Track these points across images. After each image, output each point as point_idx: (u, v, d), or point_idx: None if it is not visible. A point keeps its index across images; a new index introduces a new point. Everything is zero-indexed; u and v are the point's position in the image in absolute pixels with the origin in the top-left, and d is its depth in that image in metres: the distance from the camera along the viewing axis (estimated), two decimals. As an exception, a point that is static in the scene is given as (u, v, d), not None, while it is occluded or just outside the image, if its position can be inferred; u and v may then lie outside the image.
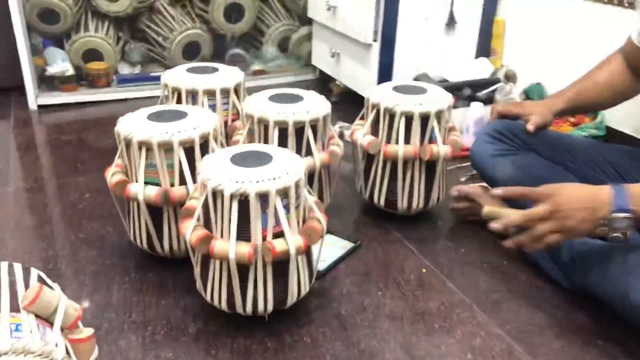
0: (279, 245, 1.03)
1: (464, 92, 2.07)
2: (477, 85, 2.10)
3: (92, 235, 1.42)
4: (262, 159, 1.09)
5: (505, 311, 1.19)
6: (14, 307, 0.82)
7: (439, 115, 1.38)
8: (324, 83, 2.52)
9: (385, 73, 2.11)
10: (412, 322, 1.16)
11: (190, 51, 2.46)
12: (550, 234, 1.06)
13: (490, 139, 1.39)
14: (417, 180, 1.43)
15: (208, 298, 1.12)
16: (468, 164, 1.78)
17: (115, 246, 1.38)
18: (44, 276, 0.92)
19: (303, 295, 1.14)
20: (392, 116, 1.38)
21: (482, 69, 2.20)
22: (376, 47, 2.08)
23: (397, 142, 1.38)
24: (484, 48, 2.27)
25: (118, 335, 1.09)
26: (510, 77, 2.17)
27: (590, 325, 1.15)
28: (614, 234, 1.03)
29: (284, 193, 1.03)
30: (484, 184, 1.48)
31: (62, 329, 0.84)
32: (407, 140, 1.39)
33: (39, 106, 2.23)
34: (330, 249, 1.37)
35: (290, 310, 1.15)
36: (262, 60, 2.61)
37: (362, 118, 1.50)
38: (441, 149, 1.39)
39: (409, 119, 1.37)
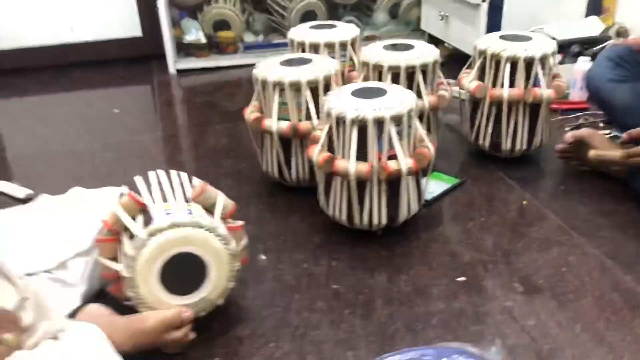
0: (392, 165, 1.19)
1: (572, 50, 2.10)
2: (585, 43, 2.12)
3: (230, 170, 1.66)
4: (379, 92, 1.25)
5: (602, 237, 1.28)
6: (185, 200, 1.05)
7: (542, 60, 1.48)
8: (432, 47, 2.63)
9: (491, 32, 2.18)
10: (511, 241, 1.28)
11: (307, 19, 2.65)
12: None
13: (610, 63, 1.43)
14: (521, 123, 1.53)
15: (330, 213, 1.31)
16: (573, 115, 1.84)
17: (250, 178, 1.60)
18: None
19: (412, 215, 1.30)
20: (497, 61, 1.49)
21: (591, 27, 2.21)
22: (484, 7, 2.17)
23: (502, 85, 1.49)
24: (595, 7, 2.28)
25: (257, 240, 1.30)
26: (621, 34, 2.17)
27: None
28: None
29: (397, 120, 1.19)
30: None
31: (221, 218, 1.06)
32: (512, 84, 1.49)
33: (177, 70, 2.53)
34: (437, 184, 1.51)
35: (400, 228, 1.31)
36: (374, 27, 2.77)
37: (469, 67, 1.62)
38: (544, 93, 1.49)
39: (514, 63, 1.47)
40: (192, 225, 0.97)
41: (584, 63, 1.90)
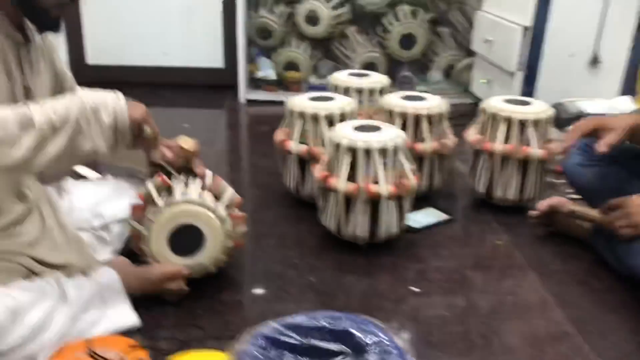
0: (374, 188, 1.45)
1: (597, 123, 2.27)
2: (612, 118, 2.28)
3: (261, 182, 1.97)
4: (375, 129, 1.52)
5: (554, 278, 1.46)
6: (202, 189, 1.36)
7: (536, 123, 1.68)
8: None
9: (525, 99, 2.40)
10: (473, 267, 1.49)
11: (368, 69, 2.97)
12: (624, 228, 1.33)
13: (579, 151, 1.64)
14: (513, 176, 1.74)
15: (325, 224, 1.58)
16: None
17: (274, 189, 1.89)
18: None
19: (392, 235, 1.54)
20: (495, 119, 1.72)
21: (622, 105, 2.36)
22: (519, 75, 2.39)
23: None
24: (630, 88, 2.43)
25: (264, 236, 1.59)
26: (649, 115, 2.30)
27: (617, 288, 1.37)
28: None
29: (383, 152, 1.45)
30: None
31: (227, 207, 1.35)
32: (507, 141, 1.71)
33: (247, 100, 2.91)
34: (429, 216, 1.74)
35: (383, 245, 1.55)
36: (427, 83, 3.03)
37: (477, 123, 1.85)
38: (535, 152, 1.69)
39: (509, 122, 1.70)
40: (198, 203, 1.28)
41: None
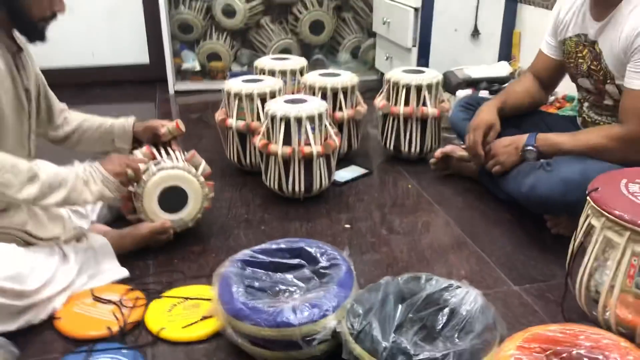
0: (306, 149, 1.78)
1: (481, 85, 2.71)
2: (493, 81, 2.73)
3: (207, 157, 2.24)
4: (302, 101, 1.85)
5: (453, 207, 1.86)
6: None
7: (429, 87, 2.07)
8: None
9: (422, 70, 2.80)
10: (390, 207, 1.86)
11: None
12: (496, 166, 1.72)
13: (461, 107, 2.04)
14: (415, 133, 2.12)
15: (268, 185, 1.89)
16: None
17: (217, 164, 2.18)
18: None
19: (324, 187, 1.88)
20: (397, 87, 2.09)
21: (501, 70, 2.82)
22: (414, 51, 2.79)
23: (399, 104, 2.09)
24: (507, 54, 2.89)
25: (219, 195, 1.88)
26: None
27: (499, 209, 1.79)
28: (528, 158, 1.66)
29: (311, 120, 1.78)
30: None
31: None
32: (407, 104, 2.09)
33: (175, 91, 3.16)
34: (350, 172, 2.10)
35: (316, 197, 1.89)
36: (337, 64, 3.39)
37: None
38: (430, 110, 2.08)
39: (408, 89, 2.07)
40: (184, 169, 1.57)
41: (464, 92, 2.51)
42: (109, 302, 1.37)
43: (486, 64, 2.83)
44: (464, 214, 1.83)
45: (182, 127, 1.71)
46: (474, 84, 2.69)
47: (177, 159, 1.61)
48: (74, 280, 1.40)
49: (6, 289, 1.24)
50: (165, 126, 1.69)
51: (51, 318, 1.32)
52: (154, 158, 1.61)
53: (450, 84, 2.72)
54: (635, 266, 1.08)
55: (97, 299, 1.39)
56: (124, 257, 1.51)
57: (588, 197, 1.17)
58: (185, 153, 1.66)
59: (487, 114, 1.81)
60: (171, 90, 3.15)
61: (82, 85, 3.18)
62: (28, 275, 1.29)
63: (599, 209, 1.13)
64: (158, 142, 1.70)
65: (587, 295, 1.21)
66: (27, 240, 1.42)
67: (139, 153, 1.60)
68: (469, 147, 1.80)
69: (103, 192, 1.39)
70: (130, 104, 3.11)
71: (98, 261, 1.48)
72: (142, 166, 1.52)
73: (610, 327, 1.14)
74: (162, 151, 1.66)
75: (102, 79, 3.26)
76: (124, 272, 1.49)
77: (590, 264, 1.17)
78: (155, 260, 1.57)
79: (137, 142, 1.73)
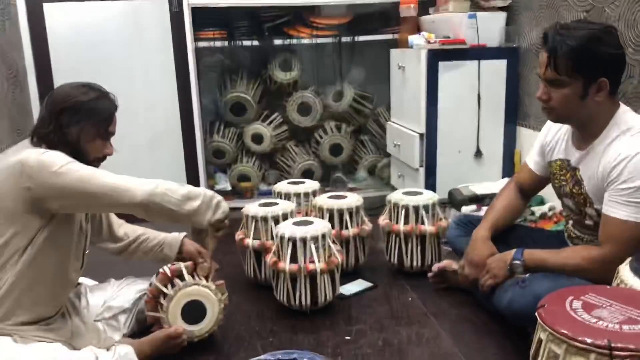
0: (311, 266, 2.01)
1: (485, 202, 2.92)
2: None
3: (227, 274, 2.48)
4: (308, 223, 2.10)
5: (448, 319, 2.02)
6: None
7: (425, 207, 2.30)
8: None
9: (430, 189, 3.04)
10: (390, 318, 2.04)
11: (307, 175, 3.60)
12: (488, 279, 1.90)
13: (455, 225, 2.25)
14: (415, 249, 2.33)
15: (278, 298, 2.11)
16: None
17: (237, 278, 2.42)
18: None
19: (328, 301, 2.08)
20: (397, 207, 2.33)
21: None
22: (422, 171, 3.05)
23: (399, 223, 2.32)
24: (509, 171, 3.12)
25: (237, 307, 2.10)
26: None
27: (490, 321, 1.93)
28: (516, 272, 1.82)
29: (315, 239, 2.02)
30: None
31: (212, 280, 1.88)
32: (407, 222, 2.31)
33: (208, 210, 3.47)
34: (357, 285, 2.30)
35: (322, 309, 2.08)
36: (356, 181, 3.69)
37: (387, 211, 2.46)
38: (427, 228, 2.29)
39: (407, 209, 2.31)
40: (214, 292, 1.83)
41: (468, 208, 2.72)
42: (129, 406, 1.58)
43: (490, 181, 3.05)
44: (456, 326, 1.98)
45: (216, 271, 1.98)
46: (478, 200, 2.90)
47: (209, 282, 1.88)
48: (102, 386, 1.61)
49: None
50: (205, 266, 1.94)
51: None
52: (171, 280, 1.86)
53: (455, 200, 2.94)
54: (574, 376, 1.23)
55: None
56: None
57: (536, 313, 1.35)
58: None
59: (483, 249, 1.96)
60: (204, 209, 3.47)
61: (126, 205, 3.55)
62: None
63: (542, 323, 1.30)
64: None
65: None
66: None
67: (183, 266, 1.87)
68: (467, 278, 1.99)
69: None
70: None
71: (123, 366, 1.70)
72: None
73: None
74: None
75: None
76: (146, 379, 1.70)
77: (541, 373, 1.32)
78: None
79: (180, 253, 2.02)
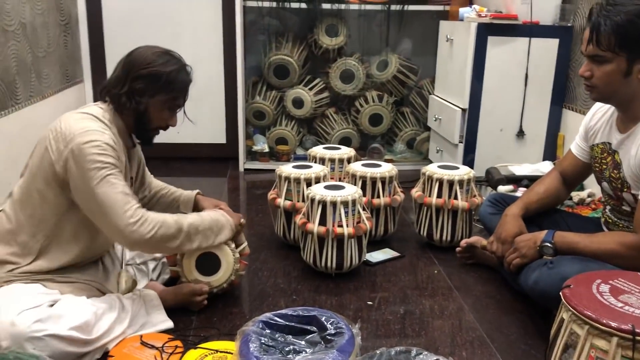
0: (339, 230, 2.02)
1: (523, 183, 2.87)
2: (534, 179, 2.87)
3: (257, 232, 2.53)
4: (339, 188, 2.11)
5: (471, 294, 2.01)
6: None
7: (460, 182, 2.28)
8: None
9: (468, 165, 3.00)
10: (414, 288, 2.04)
11: (344, 143, 3.60)
12: (515, 258, 1.88)
13: (489, 203, 2.22)
14: (445, 222, 2.31)
15: (305, 259, 2.13)
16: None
17: (267, 236, 2.46)
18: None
19: (354, 266, 2.09)
20: (431, 180, 2.31)
21: (544, 169, 2.97)
22: (461, 147, 3.01)
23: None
24: (551, 154, 3.05)
25: (264, 264, 2.14)
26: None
27: (514, 300, 1.92)
28: (545, 253, 1.81)
29: (345, 204, 2.03)
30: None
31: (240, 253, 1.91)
32: (440, 196, 2.30)
33: (245, 169, 3.52)
34: (384, 254, 2.30)
35: (347, 274, 2.10)
36: (394, 153, 3.66)
37: (421, 183, 2.44)
38: (460, 203, 2.27)
39: (441, 182, 2.29)
40: (227, 244, 1.86)
41: (504, 187, 2.67)
42: (153, 347, 1.63)
43: (530, 163, 2.99)
44: (479, 301, 1.97)
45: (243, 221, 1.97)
46: (516, 180, 2.86)
47: None
48: (127, 328, 1.67)
49: (74, 338, 1.50)
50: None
51: (105, 355, 1.59)
52: None
53: (492, 179, 2.90)
54: (593, 358, 1.21)
55: (144, 344, 1.65)
56: (172, 311, 1.78)
57: (560, 293, 1.33)
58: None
59: (513, 226, 1.94)
60: (241, 168, 3.52)
61: (166, 158, 3.62)
62: (93, 325, 1.56)
63: (566, 303, 1.28)
64: None
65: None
66: (98, 289, 1.73)
67: None
68: (495, 254, 1.97)
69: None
70: (204, 177, 3.50)
71: (148, 312, 1.75)
72: None
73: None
74: None
75: (183, 155, 3.70)
76: (169, 324, 1.75)
77: (559, 353, 1.31)
78: (197, 317, 1.83)
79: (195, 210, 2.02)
